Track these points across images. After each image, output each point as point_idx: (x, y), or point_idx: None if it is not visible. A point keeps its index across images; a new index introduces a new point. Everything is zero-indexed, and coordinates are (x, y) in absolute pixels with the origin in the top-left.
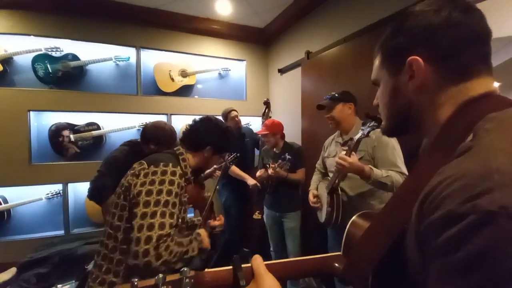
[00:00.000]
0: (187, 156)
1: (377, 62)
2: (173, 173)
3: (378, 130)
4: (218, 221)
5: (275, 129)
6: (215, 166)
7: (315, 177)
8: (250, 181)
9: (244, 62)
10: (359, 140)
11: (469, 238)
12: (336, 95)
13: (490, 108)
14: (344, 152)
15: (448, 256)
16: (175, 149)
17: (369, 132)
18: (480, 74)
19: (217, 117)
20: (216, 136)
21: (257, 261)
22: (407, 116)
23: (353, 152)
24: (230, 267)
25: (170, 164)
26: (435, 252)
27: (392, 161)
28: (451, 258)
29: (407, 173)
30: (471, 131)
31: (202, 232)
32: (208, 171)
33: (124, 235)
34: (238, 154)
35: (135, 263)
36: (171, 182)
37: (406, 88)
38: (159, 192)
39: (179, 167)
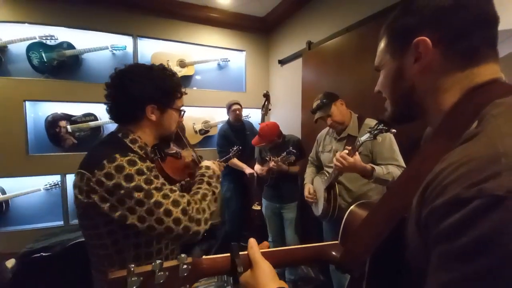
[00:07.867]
0: (135, 133)
1: (382, 45)
2: (131, 163)
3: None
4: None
5: (271, 135)
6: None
7: (309, 170)
8: (248, 170)
9: (244, 53)
10: (364, 141)
11: (475, 223)
12: (324, 101)
13: (497, 94)
14: (346, 151)
15: (452, 241)
16: (111, 135)
17: (376, 135)
18: (488, 59)
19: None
20: (148, 86)
21: (253, 249)
22: (410, 101)
23: (356, 153)
24: (228, 254)
25: (117, 155)
26: (438, 238)
27: (390, 155)
28: (455, 244)
29: (405, 166)
30: (477, 117)
31: (205, 163)
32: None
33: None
34: (240, 147)
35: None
36: (139, 172)
37: (411, 70)
38: (138, 188)
39: (131, 154)
